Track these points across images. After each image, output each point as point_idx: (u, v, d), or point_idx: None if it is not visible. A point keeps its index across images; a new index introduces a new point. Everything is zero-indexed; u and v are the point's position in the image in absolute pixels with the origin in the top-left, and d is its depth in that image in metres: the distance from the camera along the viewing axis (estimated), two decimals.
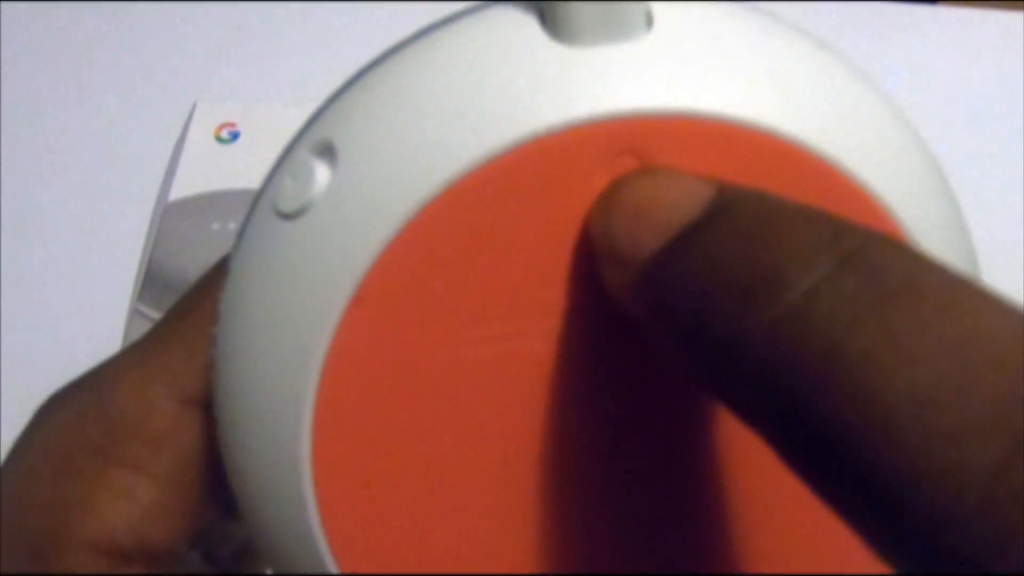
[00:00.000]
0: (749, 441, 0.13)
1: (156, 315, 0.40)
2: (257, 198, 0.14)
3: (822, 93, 0.13)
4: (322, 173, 0.13)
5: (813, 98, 0.13)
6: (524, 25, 0.13)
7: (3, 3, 0.50)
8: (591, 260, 0.13)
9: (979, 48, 0.49)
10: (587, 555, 0.14)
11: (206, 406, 0.15)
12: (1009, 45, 0.49)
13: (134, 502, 0.15)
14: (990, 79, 0.48)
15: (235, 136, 0.44)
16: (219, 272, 0.15)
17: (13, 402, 0.38)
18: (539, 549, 0.14)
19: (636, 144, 0.13)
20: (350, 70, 0.14)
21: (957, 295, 0.10)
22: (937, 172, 0.14)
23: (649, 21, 0.13)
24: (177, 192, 0.42)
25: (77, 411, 0.15)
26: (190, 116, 0.45)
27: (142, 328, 0.40)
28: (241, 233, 0.14)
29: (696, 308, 0.11)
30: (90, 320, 0.40)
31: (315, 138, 0.13)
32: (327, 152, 0.13)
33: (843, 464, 0.10)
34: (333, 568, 0.13)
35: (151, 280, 0.40)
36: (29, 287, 0.42)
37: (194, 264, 0.41)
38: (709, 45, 0.13)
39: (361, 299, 0.13)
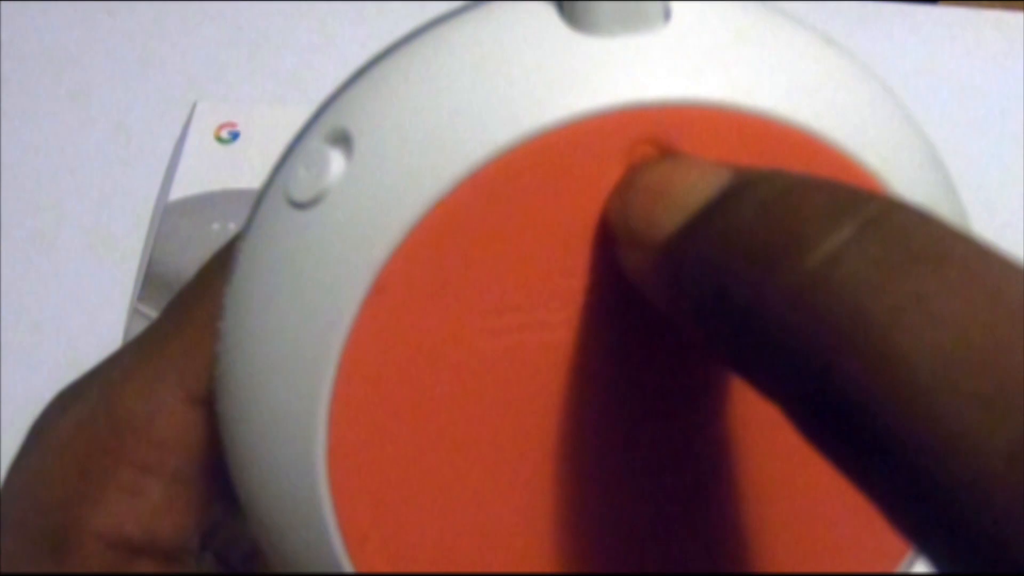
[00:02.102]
0: (771, 433, 0.14)
1: (156, 315, 0.40)
2: (265, 188, 0.14)
3: (832, 85, 0.13)
4: (337, 162, 0.13)
5: (824, 89, 0.13)
6: (541, 14, 0.13)
7: (3, 3, 0.50)
8: (611, 249, 0.13)
9: (979, 48, 0.49)
10: (606, 550, 0.14)
11: (211, 404, 0.15)
12: (1009, 45, 0.49)
13: (143, 499, 0.15)
14: (990, 79, 0.48)
15: (235, 136, 0.44)
16: (220, 265, 0.15)
17: (13, 402, 0.38)
18: (558, 544, 0.14)
19: (655, 133, 0.13)
20: (350, 70, 0.14)
21: (981, 259, 0.10)
22: (939, 161, 0.15)
23: (667, 14, 0.13)
24: (177, 192, 0.42)
25: (87, 411, 0.16)
26: (190, 116, 0.45)
27: (142, 328, 0.40)
28: (249, 223, 0.14)
29: (717, 280, 0.11)
30: (90, 320, 0.40)
31: (329, 127, 0.13)
32: (342, 141, 0.13)
33: (866, 430, 0.10)
34: (348, 567, 0.13)
35: (151, 280, 0.40)
36: (30, 287, 0.42)
37: (194, 264, 0.41)
38: (725, 38, 0.13)
39: (381, 289, 0.12)
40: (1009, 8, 0.51)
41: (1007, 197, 0.44)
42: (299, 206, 0.13)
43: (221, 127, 0.44)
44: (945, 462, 0.09)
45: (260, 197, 0.14)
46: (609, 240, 0.13)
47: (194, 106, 0.45)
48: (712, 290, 0.11)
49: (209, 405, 0.15)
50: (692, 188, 0.12)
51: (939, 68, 0.48)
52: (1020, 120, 0.46)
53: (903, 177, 0.13)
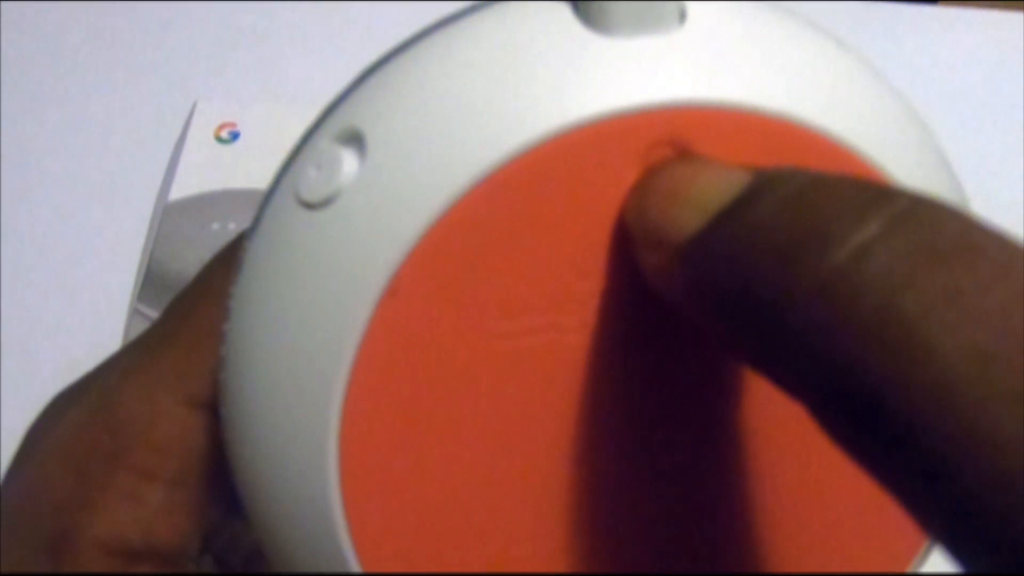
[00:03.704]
0: (785, 436, 0.13)
1: (156, 315, 0.40)
2: (273, 188, 0.14)
3: (847, 86, 0.13)
4: (350, 162, 0.13)
5: (839, 91, 0.13)
6: (556, 14, 0.13)
7: (3, 3, 0.50)
8: (627, 251, 0.13)
9: (979, 48, 0.49)
10: (620, 553, 0.14)
11: (213, 407, 0.14)
12: (1009, 45, 0.49)
13: (143, 505, 0.15)
14: (990, 79, 0.48)
15: (235, 136, 0.44)
16: (221, 266, 0.15)
17: (13, 402, 0.38)
18: (571, 547, 0.14)
19: (671, 134, 0.12)
20: (350, 70, 0.14)
21: (1012, 254, 0.10)
22: (949, 165, 0.15)
23: (682, 15, 0.13)
24: (177, 192, 0.42)
25: (85, 415, 0.15)
26: (190, 116, 0.45)
27: (142, 328, 0.40)
28: (256, 223, 0.14)
29: (740, 278, 0.11)
30: (90, 320, 0.40)
31: (340, 126, 0.13)
32: (355, 141, 0.13)
33: (895, 427, 0.09)
34: (356, 568, 0.13)
35: (151, 280, 0.40)
36: (29, 287, 0.42)
37: (194, 264, 0.41)
38: (740, 39, 0.13)
39: (394, 291, 0.12)
40: (1009, 8, 0.51)
41: (1007, 197, 0.44)
42: (310, 206, 0.13)
43: (221, 127, 0.44)
44: (979, 461, 0.09)
45: (267, 197, 0.14)
46: (625, 242, 0.13)
47: (194, 106, 0.45)
48: (736, 288, 0.11)
49: (210, 408, 0.14)
50: (712, 188, 0.12)
51: (939, 68, 0.48)
52: (1020, 120, 0.46)
53: (917, 182, 0.13)
